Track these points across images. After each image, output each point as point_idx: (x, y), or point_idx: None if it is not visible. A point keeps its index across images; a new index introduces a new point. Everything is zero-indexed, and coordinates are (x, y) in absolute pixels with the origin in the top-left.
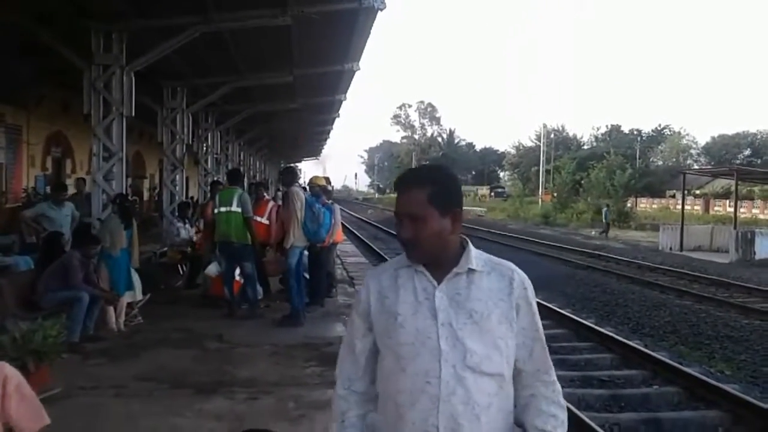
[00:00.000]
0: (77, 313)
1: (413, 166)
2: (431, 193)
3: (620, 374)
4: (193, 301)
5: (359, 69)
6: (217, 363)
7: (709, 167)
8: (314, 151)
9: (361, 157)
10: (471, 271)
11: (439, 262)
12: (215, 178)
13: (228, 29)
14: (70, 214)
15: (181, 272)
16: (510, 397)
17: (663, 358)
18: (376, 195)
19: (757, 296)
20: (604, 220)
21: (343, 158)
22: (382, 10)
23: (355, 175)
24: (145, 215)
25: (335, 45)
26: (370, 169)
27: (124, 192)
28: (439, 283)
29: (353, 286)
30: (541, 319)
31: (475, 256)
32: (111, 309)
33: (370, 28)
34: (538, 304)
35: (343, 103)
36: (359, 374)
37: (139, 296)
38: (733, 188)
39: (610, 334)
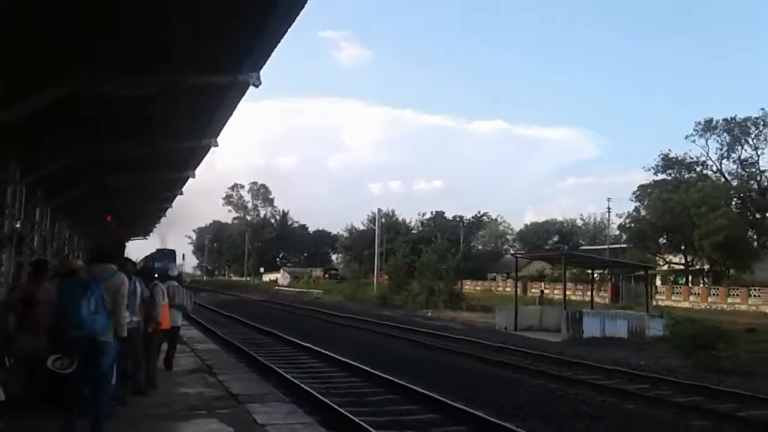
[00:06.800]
0: None
1: (246, 248)
2: None
3: None
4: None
5: (217, 146)
6: None
7: (534, 252)
8: (145, 230)
9: (189, 237)
10: None
11: None
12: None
13: (84, 96)
14: None
15: (7, 365)
16: None
17: None
18: (204, 277)
19: (600, 374)
20: None
21: (169, 237)
22: (257, 86)
23: (183, 255)
24: None
25: (198, 119)
26: (198, 249)
27: None
28: None
29: (215, 376)
30: (408, 404)
31: None
32: None
33: (237, 104)
34: (400, 386)
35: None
36: None
37: None
38: (547, 271)
39: (484, 416)
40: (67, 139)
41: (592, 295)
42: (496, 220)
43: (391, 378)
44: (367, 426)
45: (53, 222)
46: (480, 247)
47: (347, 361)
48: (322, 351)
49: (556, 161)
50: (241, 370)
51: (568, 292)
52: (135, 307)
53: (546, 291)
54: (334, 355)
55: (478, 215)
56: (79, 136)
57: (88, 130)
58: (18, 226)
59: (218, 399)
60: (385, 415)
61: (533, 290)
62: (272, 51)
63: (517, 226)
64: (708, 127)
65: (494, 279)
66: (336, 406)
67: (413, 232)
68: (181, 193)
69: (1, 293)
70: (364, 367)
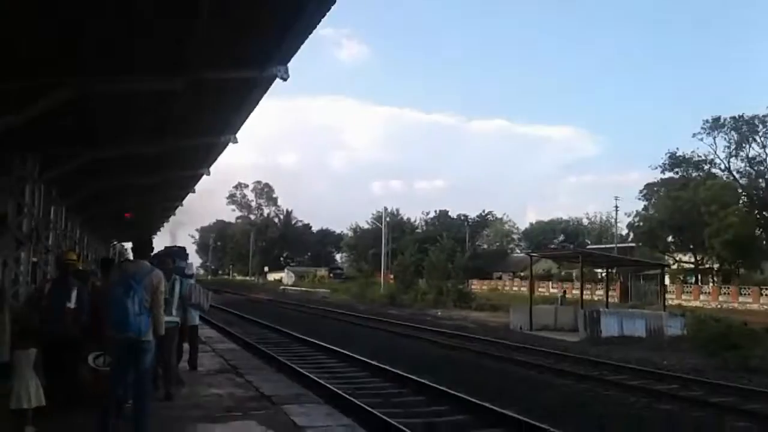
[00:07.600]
0: None
1: (250, 247)
2: None
3: None
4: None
5: (236, 142)
6: None
7: (546, 250)
8: (152, 228)
9: (192, 236)
10: None
11: None
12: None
13: (107, 93)
14: None
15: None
16: None
17: None
18: (209, 276)
19: (627, 374)
20: None
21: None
22: (285, 80)
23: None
24: None
25: (221, 114)
26: (201, 248)
27: None
28: None
29: (242, 376)
30: (437, 405)
31: None
32: None
33: (260, 99)
34: (428, 387)
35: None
36: None
37: (35, 402)
38: (554, 270)
39: (519, 416)
40: (86, 137)
41: (607, 294)
42: (501, 219)
43: (414, 377)
44: (405, 429)
45: (66, 220)
46: (485, 246)
47: (367, 360)
48: (340, 350)
49: (557, 160)
50: (266, 371)
51: (575, 291)
52: (172, 306)
53: (553, 290)
54: (353, 355)
55: (483, 214)
56: (97, 133)
57: (106, 128)
58: (33, 224)
59: (251, 400)
60: (416, 417)
61: (540, 289)
62: (301, 45)
63: (521, 225)
64: (716, 125)
65: (500, 278)
66: (370, 408)
67: (418, 231)
68: (194, 191)
69: (20, 292)
70: (385, 367)
